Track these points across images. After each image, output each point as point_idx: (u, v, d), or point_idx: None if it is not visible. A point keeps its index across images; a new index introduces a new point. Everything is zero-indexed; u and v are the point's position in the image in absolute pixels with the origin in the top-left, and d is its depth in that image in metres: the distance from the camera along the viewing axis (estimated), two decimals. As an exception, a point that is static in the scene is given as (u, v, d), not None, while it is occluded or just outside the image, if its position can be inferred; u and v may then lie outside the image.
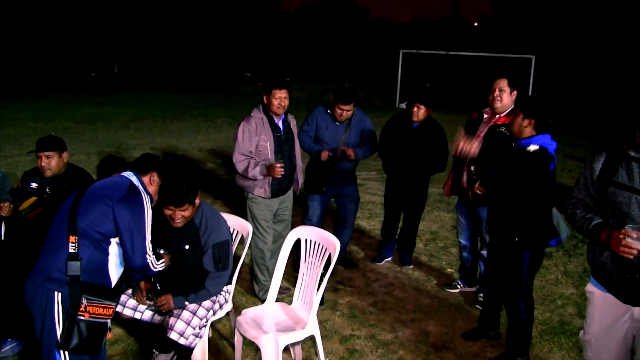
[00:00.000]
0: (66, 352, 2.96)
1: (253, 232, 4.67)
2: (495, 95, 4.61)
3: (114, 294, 3.18)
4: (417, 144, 5.34)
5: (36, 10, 28.75)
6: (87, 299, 2.98)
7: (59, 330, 2.95)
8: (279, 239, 4.96)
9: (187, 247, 3.63)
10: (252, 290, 5.04)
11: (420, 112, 5.30)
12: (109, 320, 3.13)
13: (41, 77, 26.06)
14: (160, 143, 12.28)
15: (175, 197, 3.42)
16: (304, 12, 41.47)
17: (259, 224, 4.80)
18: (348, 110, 5.16)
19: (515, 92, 4.63)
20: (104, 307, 3.06)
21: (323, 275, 3.67)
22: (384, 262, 5.91)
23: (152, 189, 3.37)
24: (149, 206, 3.18)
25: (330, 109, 5.28)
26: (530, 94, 17.71)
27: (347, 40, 27.76)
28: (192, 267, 3.66)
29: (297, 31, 30.23)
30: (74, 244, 2.97)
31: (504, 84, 4.60)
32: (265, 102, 4.71)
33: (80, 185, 3.26)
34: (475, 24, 36.42)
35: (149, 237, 3.17)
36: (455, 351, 4.26)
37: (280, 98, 4.66)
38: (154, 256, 3.24)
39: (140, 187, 3.24)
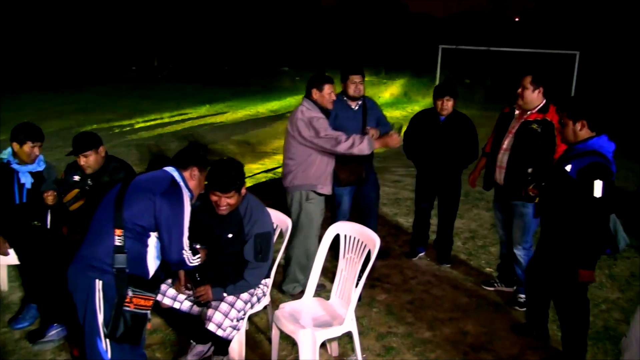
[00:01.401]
0: (107, 340, 3.01)
1: (304, 235, 4.65)
2: (518, 92, 4.57)
3: (154, 286, 3.23)
4: (447, 137, 5.31)
5: (78, 4, 29.28)
6: (132, 290, 3.03)
7: (100, 318, 3.00)
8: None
9: (230, 235, 3.65)
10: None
11: (449, 105, 5.28)
12: (149, 312, 3.16)
13: (83, 70, 26.57)
14: (198, 135, 12.39)
15: (223, 183, 3.45)
16: (343, 6, 41.37)
17: (315, 225, 4.75)
18: (360, 83, 5.12)
19: (541, 89, 4.53)
20: (145, 299, 3.10)
21: (362, 271, 3.63)
22: (418, 257, 5.87)
23: (193, 183, 3.37)
24: (188, 202, 3.21)
25: (344, 95, 5.24)
26: (573, 91, 17.31)
27: (386, 35, 27.56)
28: (233, 257, 3.67)
29: (335, 25, 30.14)
30: (120, 237, 3.02)
31: (527, 81, 4.54)
32: (315, 96, 4.65)
33: (124, 178, 3.29)
34: (517, 19, 35.80)
35: (186, 233, 3.20)
36: (495, 352, 4.19)
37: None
38: (190, 251, 3.26)
39: (182, 183, 3.26)
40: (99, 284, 3.00)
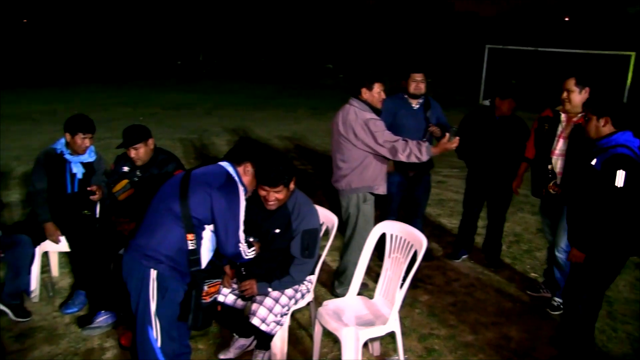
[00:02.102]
0: (158, 326, 3.07)
1: (362, 236, 4.50)
2: (563, 97, 4.47)
3: (219, 271, 3.30)
4: (502, 138, 5.22)
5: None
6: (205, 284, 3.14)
7: (152, 307, 3.05)
8: None
9: (277, 231, 3.66)
10: (331, 282, 5.04)
11: (508, 107, 5.18)
12: (217, 295, 3.30)
13: (129, 64, 27.06)
14: (243, 130, 12.49)
15: (271, 177, 3.47)
16: (387, 4, 41.04)
17: (371, 226, 4.60)
18: (421, 81, 5.08)
19: (587, 90, 4.43)
20: (215, 285, 3.26)
21: (407, 272, 3.61)
22: (461, 259, 5.80)
23: (246, 179, 3.39)
24: (243, 197, 3.24)
25: (405, 93, 5.23)
26: (626, 94, 16.84)
27: (431, 33, 27.27)
28: (280, 252, 3.69)
29: (379, 23, 29.98)
30: (192, 241, 3.08)
31: (571, 84, 4.43)
32: (365, 95, 4.58)
33: (184, 173, 3.32)
34: (567, 19, 35.00)
35: (242, 227, 3.23)
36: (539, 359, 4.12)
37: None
38: (245, 244, 3.29)
39: (236, 177, 3.28)
40: (153, 273, 3.05)
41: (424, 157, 4.33)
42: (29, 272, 4.50)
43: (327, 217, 4.07)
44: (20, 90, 18.82)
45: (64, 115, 4.74)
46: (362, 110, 4.50)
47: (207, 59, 30.72)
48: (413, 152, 4.29)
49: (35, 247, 4.53)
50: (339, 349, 4.00)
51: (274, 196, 3.53)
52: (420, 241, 3.51)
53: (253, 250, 3.39)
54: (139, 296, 3.09)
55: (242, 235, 3.24)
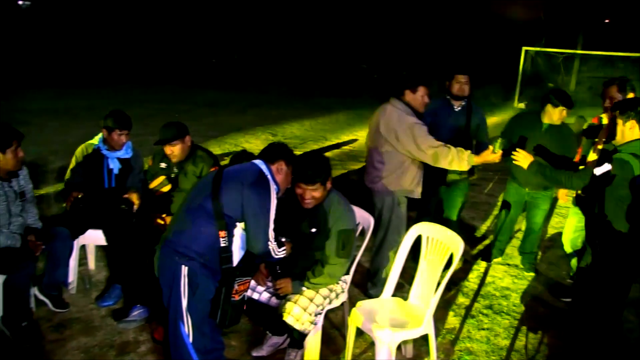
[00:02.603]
0: (189, 322, 3.08)
1: (395, 239, 4.55)
2: (605, 105, 4.38)
3: (250, 268, 3.30)
4: (547, 144, 5.10)
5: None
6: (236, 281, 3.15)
7: (184, 303, 3.07)
8: None
9: (313, 230, 3.66)
10: (364, 282, 5.02)
11: (562, 114, 5.00)
12: (245, 293, 3.30)
13: (166, 62, 27.40)
14: (277, 130, 12.53)
15: (308, 174, 3.49)
16: (423, 2, 40.57)
17: (405, 228, 4.62)
18: (465, 83, 5.02)
19: (632, 95, 4.32)
20: (244, 283, 3.23)
21: (443, 274, 3.57)
22: (495, 262, 5.72)
23: (280, 177, 3.39)
24: (275, 195, 3.23)
25: (448, 94, 5.18)
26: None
27: (466, 33, 26.97)
28: (315, 251, 3.69)
29: (414, 23, 29.77)
30: (224, 239, 3.08)
31: (613, 91, 4.35)
32: (408, 98, 4.51)
33: (217, 170, 3.33)
34: (607, 20, 34.25)
35: (272, 225, 3.21)
36: (576, 367, 4.05)
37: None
38: (275, 243, 3.28)
39: (269, 176, 3.28)
40: (184, 269, 3.06)
41: (466, 166, 4.27)
42: (67, 265, 4.58)
43: (363, 217, 4.06)
44: (59, 87, 19.20)
45: (101, 111, 4.83)
46: (405, 114, 4.42)
47: (242, 57, 30.91)
48: (455, 159, 4.23)
49: (73, 240, 4.61)
50: (372, 350, 4.00)
51: (311, 194, 3.53)
52: (457, 244, 3.47)
53: (283, 250, 3.38)
54: (171, 292, 3.12)
55: (272, 234, 3.23)
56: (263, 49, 31.26)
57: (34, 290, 4.41)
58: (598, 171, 3.61)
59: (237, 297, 3.14)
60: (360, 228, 4.05)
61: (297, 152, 9.95)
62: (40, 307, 4.50)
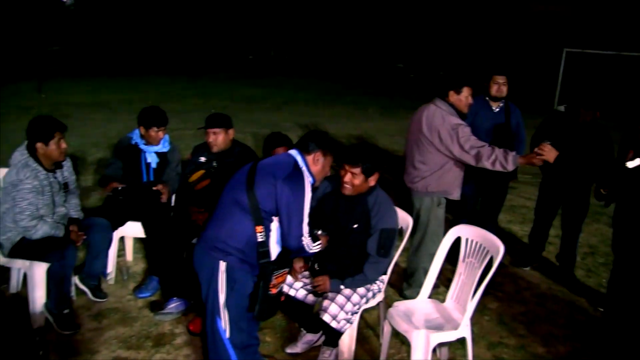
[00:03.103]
0: (227, 317, 3.09)
1: (433, 240, 4.52)
2: None
3: (287, 261, 3.28)
4: (582, 146, 5.01)
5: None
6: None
7: (222, 298, 3.08)
8: None
9: (355, 226, 3.65)
10: (400, 283, 5.00)
11: (596, 114, 4.94)
12: (282, 286, 3.33)
13: (203, 57, 27.65)
14: (312, 126, 12.53)
15: (352, 154, 3.55)
16: (460, 1, 39.99)
17: (443, 229, 4.62)
18: (503, 84, 4.96)
19: None
20: (282, 275, 3.20)
21: (482, 278, 3.53)
22: (531, 268, 5.64)
23: (316, 168, 3.32)
24: (309, 189, 3.19)
25: (486, 95, 5.14)
26: None
27: (505, 33, 26.55)
28: (355, 249, 3.68)
29: (451, 22, 29.44)
30: (261, 234, 3.06)
31: None
32: (452, 99, 4.47)
33: (252, 164, 3.31)
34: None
35: (306, 219, 3.17)
36: (615, 377, 3.96)
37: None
38: (310, 238, 3.24)
39: (304, 167, 3.23)
40: (222, 265, 3.07)
41: (510, 167, 4.19)
42: (106, 256, 4.67)
43: (402, 218, 4.03)
44: (99, 79, 19.55)
45: (139, 105, 4.92)
46: (449, 115, 4.38)
47: (278, 54, 31.02)
48: (499, 159, 4.15)
49: (113, 231, 4.69)
50: (407, 351, 3.99)
51: (349, 177, 3.56)
52: (497, 247, 3.42)
53: (318, 244, 3.33)
54: (209, 287, 3.12)
55: (306, 229, 3.17)
56: (299, 46, 31.31)
57: (75, 280, 4.50)
58: (631, 164, 3.49)
59: (274, 291, 3.13)
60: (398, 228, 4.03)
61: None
62: (80, 296, 4.60)
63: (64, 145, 4.16)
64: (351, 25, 30.57)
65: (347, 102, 16.77)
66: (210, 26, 30.80)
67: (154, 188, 4.75)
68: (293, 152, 3.31)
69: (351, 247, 3.69)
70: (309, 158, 3.28)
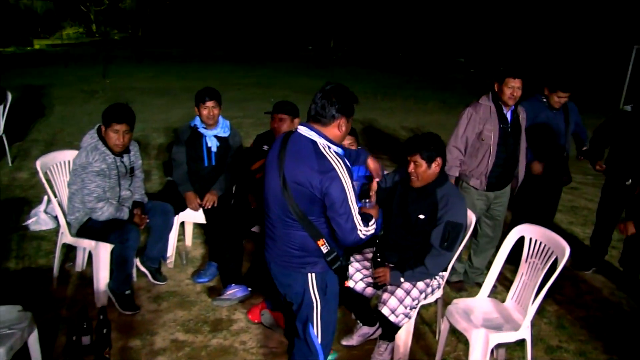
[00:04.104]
0: (319, 324, 2.93)
1: (494, 238, 4.60)
2: None
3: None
4: None
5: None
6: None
7: (317, 308, 2.91)
8: (489, 235, 4.81)
9: (421, 216, 3.61)
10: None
11: None
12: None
13: (263, 46, 27.87)
14: (371, 119, 12.48)
15: (410, 143, 3.57)
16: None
17: (501, 228, 4.64)
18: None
19: None
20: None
21: (545, 280, 3.43)
22: (592, 271, 5.47)
23: (340, 135, 2.84)
24: (344, 169, 2.72)
25: (543, 96, 4.99)
26: None
27: (570, 29, 25.73)
28: (419, 240, 3.63)
29: (514, 16, 28.73)
30: (324, 245, 2.82)
31: None
32: (496, 90, 4.49)
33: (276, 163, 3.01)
34: None
35: (355, 208, 2.76)
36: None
37: (513, 87, 4.40)
38: (362, 224, 2.78)
39: (327, 146, 2.77)
40: (311, 276, 2.87)
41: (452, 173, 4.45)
42: (167, 239, 4.77)
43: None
44: (162, 66, 19.96)
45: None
46: (477, 101, 4.55)
47: (338, 45, 30.97)
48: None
49: (175, 216, 4.78)
50: (463, 349, 3.95)
51: (412, 166, 3.55)
52: (562, 248, 3.32)
53: (373, 224, 2.89)
54: (302, 301, 2.92)
55: (357, 218, 2.75)
56: (359, 37, 31.19)
57: (136, 262, 4.61)
58: None
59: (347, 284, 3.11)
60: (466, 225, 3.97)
61: (391, 144, 9.85)
62: (140, 278, 4.72)
63: (125, 138, 4.21)
64: (413, 17, 30.25)
65: (406, 96, 16.59)
66: (271, 16, 31.01)
67: (203, 202, 4.82)
68: (305, 132, 2.77)
69: (415, 238, 3.65)
70: (330, 130, 2.78)
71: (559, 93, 4.89)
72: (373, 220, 2.92)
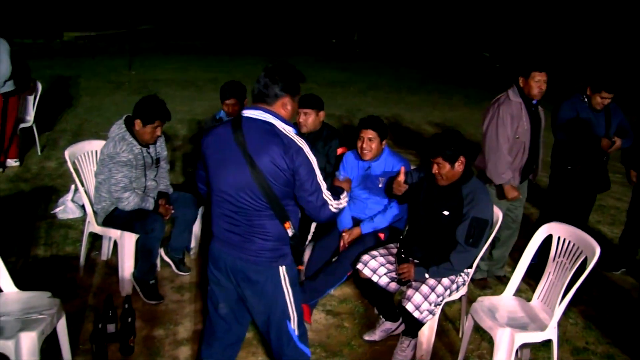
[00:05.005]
0: (295, 317, 2.82)
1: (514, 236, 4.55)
2: None
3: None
4: None
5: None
6: None
7: (290, 300, 2.79)
8: (511, 227, 4.78)
9: (446, 212, 3.57)
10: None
11: None
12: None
13: (287, 39, 27.86)
14: (395, 113, 12.41)
15: (431, 145, 3.52)
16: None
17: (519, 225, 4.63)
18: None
19: None
20: None
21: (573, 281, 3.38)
22: (621, 272, 5.38)
23: (288, 114, 2.71)
24: (303, 146, 2.63)
25: (584, 96, 4.88)
26: None
27: (609, 19, 25.10)
28: (443, 236, 3.59)
29: (543, 10, 28.28)
30: (290, 229, 2.72)
31: None
32: (522, 85, 4.42)
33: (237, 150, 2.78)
34: None
35: (321, 181, 2.69)
36: None
37: (540, 81, 4.36)
38: (331, 197, 2.73)
39: (281, 124, 2.65)
40: (282, 269, 2.74)
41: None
42: (191, 230, 4.79)
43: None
44: (187, 58, 20.05)
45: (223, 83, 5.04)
46: (506, 97, 4.46)
47: (362, 39, 30.81)
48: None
49: (199, 207, 4.79)
50: (486, 348, 3.92)
51: (436, 168, 3.51)
52: (592, 248, 3.25)
53: (344, 196, 2.85)
54: (276, 299, 2.76)
55: (326, 193, 2.69)
56: (384, 31, 31.01)
57: (160, 252, 4.64)
58: None
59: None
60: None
61: (415, 139, 9.78)
62: (164, 268, 4.75)
63: (158, 133, 4.25)
64: (438, 11, 29.99)
65: (430, 90, 16.46)
66: (295, 9, 30.97)
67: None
68: (259, 114, 2.64)
69: (439, 234, 3.61)
70: (276, 109, 2.67)
71: (603, 93, 4.76)
72: (345, 193, 2.88)
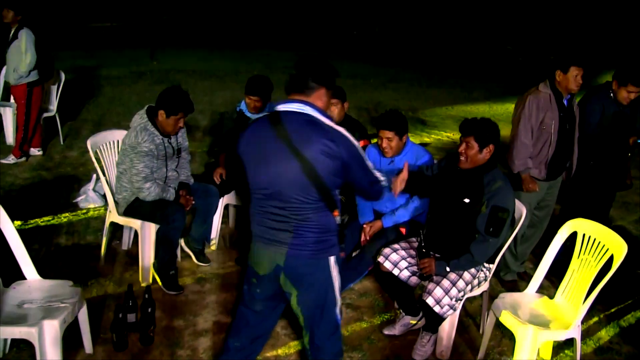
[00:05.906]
0: (339, 301, 2.80)
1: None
2: None
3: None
4: None
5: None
6: None
7: (337, 287, 2.78)
8: (536, 225, 4.72)
9: (466, 200, 3.51)
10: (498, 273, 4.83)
11: None
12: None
13: (308, 31, 27.79)
14: (418, 106, 12.34)
15: (465, 123, 3.54)
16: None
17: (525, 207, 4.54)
18: (635, 93, 4.58)
19: None
20: None
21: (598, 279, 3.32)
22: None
23: (323, 105, 2.72)
24: (345, 133, 2.65)
25: (610, 91, 4.77)
26: None
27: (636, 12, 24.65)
28: (463, 226, 3.54)
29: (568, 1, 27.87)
30: (338, 216, 2.75)
31: None
32: (558, 79, 4.35)
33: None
34: None
35: (370, 164, 2.72)
36: None
37: (578, 76, 4.31)
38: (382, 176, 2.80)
39: (320, 116, 2.65)
40: (332, 259, 2.72)
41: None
42: (212, 222, 4.79)
43: (517, 208, 3.86)
44: (209, 49, 20.08)
45: (245, 75, 5.02)
46: (537, 89, 4.43)
47: (383, 31, 30.63)
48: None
49: (220, 198, 4.79)
50: (507, 344, 3.87)
51: (464, 147, 3.48)
52: (619, 246, 3.20)
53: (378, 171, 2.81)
54: (327, 289, 2.73)
55: (375, 173, 2.74)
56: (405, 23, 30.80)
57: (181, 243, 4.65)
58: None
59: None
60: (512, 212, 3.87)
61: (436, 133, 9.74)
62: (184, 259, 4.76)
63: (181, 124, 4.25)
64: (460, 4, 29.72)
65: (452, 84, 16.31)
66: (316, 1, 30.88)
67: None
68: (298, 107, 2.61)
69: (460, 223, 3.55)
70: (312, 99, 2.65)
71: (630, 87, 4.62)
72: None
